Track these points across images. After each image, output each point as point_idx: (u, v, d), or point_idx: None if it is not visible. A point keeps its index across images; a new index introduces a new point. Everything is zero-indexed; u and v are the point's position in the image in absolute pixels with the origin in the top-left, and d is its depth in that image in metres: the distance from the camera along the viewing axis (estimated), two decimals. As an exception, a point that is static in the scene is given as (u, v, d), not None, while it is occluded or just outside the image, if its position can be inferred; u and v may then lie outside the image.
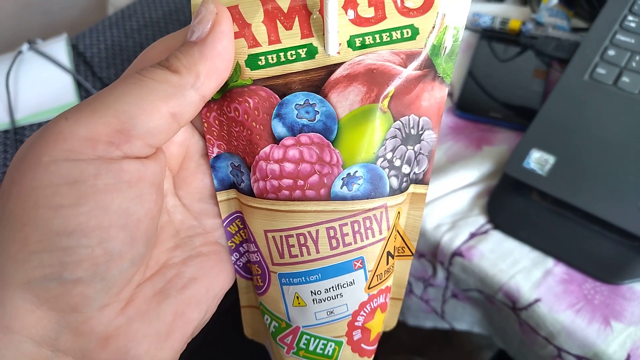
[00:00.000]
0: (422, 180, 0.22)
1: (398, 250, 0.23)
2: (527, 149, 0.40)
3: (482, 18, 0.53)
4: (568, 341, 0.36)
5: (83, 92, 0.67)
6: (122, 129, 0.15)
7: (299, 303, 0.21)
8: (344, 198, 0.20)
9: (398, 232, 0.22)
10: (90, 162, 0.15)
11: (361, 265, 0.21)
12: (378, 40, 0.19)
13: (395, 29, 0.19)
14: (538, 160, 0.40)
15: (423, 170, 0.21)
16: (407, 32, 0.19)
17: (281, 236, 0.20)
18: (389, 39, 0.19)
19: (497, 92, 0.48)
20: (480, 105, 0.47)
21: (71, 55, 0.71)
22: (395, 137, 0.20)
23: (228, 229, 0.22)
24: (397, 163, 0.20)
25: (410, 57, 0.19)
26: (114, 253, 0.15)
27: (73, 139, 0.15)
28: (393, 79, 0.19)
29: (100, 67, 0.71)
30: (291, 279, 0.21)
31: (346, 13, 0.19)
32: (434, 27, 0.19)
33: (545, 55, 0.49)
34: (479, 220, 0.41)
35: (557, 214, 0.39)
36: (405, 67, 0.19)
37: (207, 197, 0.21)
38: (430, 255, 0.42)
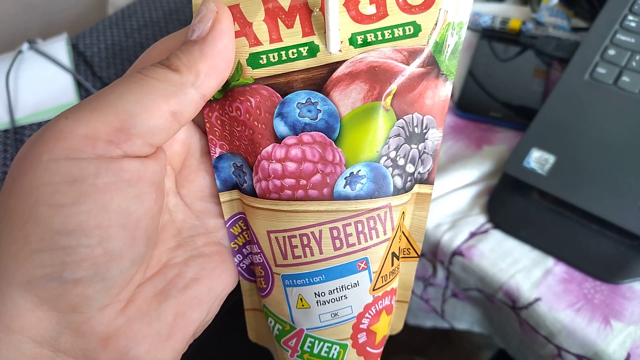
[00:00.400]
0: (426, 180, 0.21)
1: (403, 251, 0.23)
2: (527, 149, 0.40)
3: (483, 18, 0.53)
4: (568, 340, 0.36)
5: (83, 92, 0.67)
6: (122, 128, 0.15)
7: (302, 305, 0.21)
8: (347, 197, 0.19)
9: (403, 233, 0.22)
10: (90, 160, 0.15)
11: (365, 267, 0.20)
12: (380, 38, 0.19)
13: (397, 26, 0.19)
14: (538, 160, 0.40)
15: (428, 170, 0.21)
16: (410, 29, 0.19)
17: (284, 237, 0.20)
18: (391, 36, 0.19)
19: (497, 92, 0.48)
20: (481, 105, 0.47)
21: (71, 55, 0.71)
22: (398, 135, 0.20)
23: (231, 230, 0.22)
24: (401, 162, 0.20)
25: (412, 54, 0.19)
26: (114, 253, 0.15)
27: (73, 138, 0.15)
28: (396, 77, 0.19)
29: (101, 67, 0.71)
30: (294, 281, 0.21)
31: (347, 10, 0.19)
32: (436, 24, 0.19)
33: (545, 55, 0.49)
34: (479, 219, 0.41)
35: (557, 213, 0.39)
36: (408, 64, 0.19)
37: (209, 195, 0.21)
38: (430, 255, 0.42)
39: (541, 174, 0.39)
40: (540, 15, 0.50)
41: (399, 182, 0.20)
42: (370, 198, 0.20)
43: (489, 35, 0.52)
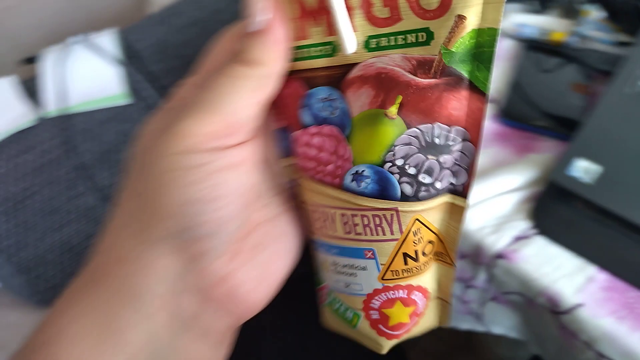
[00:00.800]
0: (461, 193, 0.21)
1: (438, 255, 0.23)
2: (572, 158, 0.41)
3: (526, 28, 0.54)
4: (609, 348, 0.37)
5: (132, 84, 0.69)
6: (230, 125, 0.19)
7: (326, 267, 0.24)
8: (353, 192, 0.20)
9: (439, 238, 0.22)
10: (207, 153, 0.18)
11: (372, 256, 0.22)
12: (392, 43, 0.18)
13: (410, 32, 0.18)
14: (583, 169, 0.40)
15: (462, 183, 0.21)
16: (422, 36, 0.18)
17: (311, 208, 0.23)
18: (403, 42, 0.18)
19: (540, 102, 0.49)
20: (525, 114, 0.48)
21: (121, 49, 0.73)
22: (409, 144, 0.19)
23: (294, 190, 0.24)
24: (411, 171, 0.20)
25: (421, 64, 0.18)
26: (229, 216, 0.19)
27: (192, 136, 0.18)
28: (400, 87, 0.19)
29: (150, 61, 0.73)
30: (321, 246, 0.23)
31: (364, 12, 0.18)
32: (451, 32, 0.18)
33: (588, 67, 0.50)
34: (523, 224, 0.42)
35: (601, 222, 0.40)
36: (416, 74, 0.19)
37: (278, 159, 0.24)
38: (472, 257, 0.43)
39: (586, 183, 0.40)
40: (584, 28, 0.51)
41: (408, 189, 0.20)
42: (375, 198, 0.20)
43: (533, 46, 0.53)
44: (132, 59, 0.72)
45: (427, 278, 0.23)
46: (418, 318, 0.24)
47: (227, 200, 0.19)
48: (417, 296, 0.23)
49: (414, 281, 0.23)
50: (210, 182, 0.18)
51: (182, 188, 0.18)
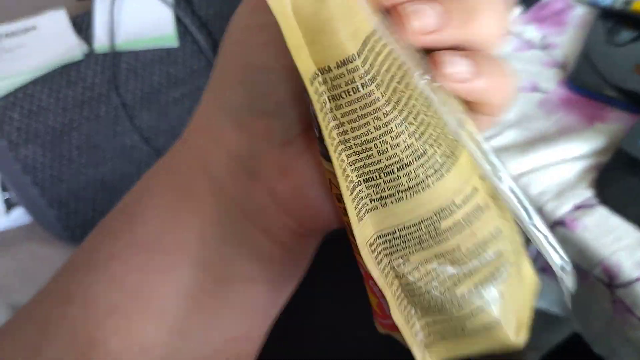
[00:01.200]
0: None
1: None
2: (648, 128, 0.39)
3: (603, -3, 0.51)
4: (667, 325, 0.35)
5: (181, 27, 0.68)
6: None
7: None
8: None
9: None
10: None
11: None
12: None
13: None
14: (658, 141, 0.38)
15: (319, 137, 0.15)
16: None
17: None
18: None
19: (607, 75, 0.46)
20: (595, 82, 0.46)
21: (172, -9, 0.72)
22: None
23: None
24: None
25: None
26: (291, 96, 0.17)
27: None
28: None
29: (200, 6, 0.72)
30: None
31: None
32: None
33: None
34: (585, 193, 0.40)
35: (669, 198, 0.38)
36: None
37: None
38: (527, 223, 0.42)
39: (659, 155, 0.38)
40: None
41: None
42: None
43: (607, 15, 0.50)
44: (183, 2, 0.71)
45: (376, 274, 0.16)
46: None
47: (289, 75, 0.17)
48: (375, 288, 0.17)
49: (363, 262, 0.16)
50: (278, 46, 0.16)
51: (246, 49, 0.17)
